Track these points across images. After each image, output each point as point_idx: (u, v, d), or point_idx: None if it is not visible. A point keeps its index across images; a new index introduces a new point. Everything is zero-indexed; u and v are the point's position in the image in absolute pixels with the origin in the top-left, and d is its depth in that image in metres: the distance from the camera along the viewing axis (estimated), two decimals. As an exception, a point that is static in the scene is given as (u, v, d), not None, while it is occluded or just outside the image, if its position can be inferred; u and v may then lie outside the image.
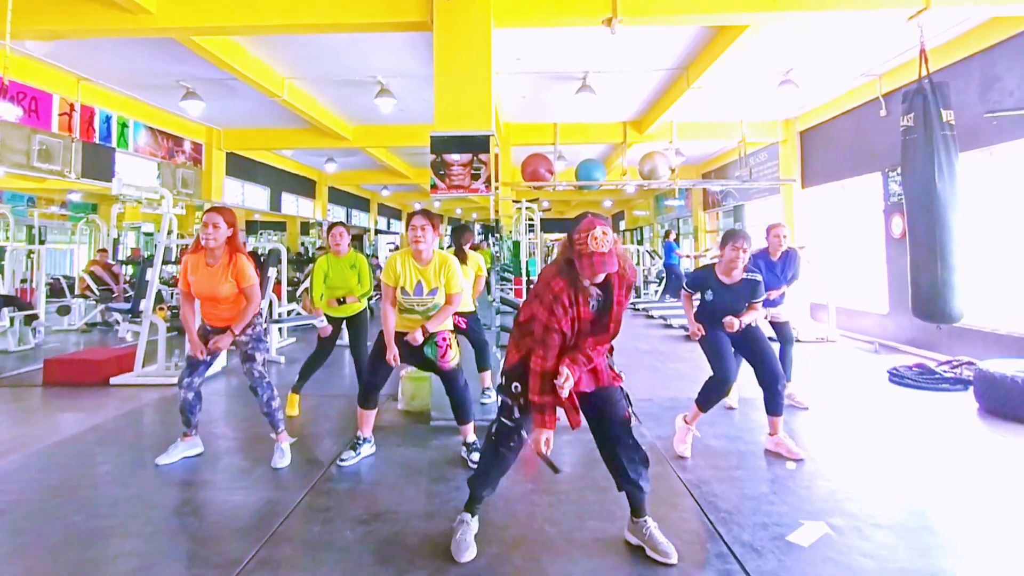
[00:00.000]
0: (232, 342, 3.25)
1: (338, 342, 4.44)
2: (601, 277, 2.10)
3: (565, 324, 2.12)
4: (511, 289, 7.68)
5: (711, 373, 3.37)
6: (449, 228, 20.19)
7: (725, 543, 2.35)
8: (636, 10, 4.79)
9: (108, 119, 8.05)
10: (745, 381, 4.47)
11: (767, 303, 4.31)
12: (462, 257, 4.20)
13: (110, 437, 3.74)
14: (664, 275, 12.86)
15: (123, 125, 8.34)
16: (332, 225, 4.14)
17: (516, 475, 3.11)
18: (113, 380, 5.17)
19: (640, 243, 20.44)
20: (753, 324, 3.40)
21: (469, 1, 4.71)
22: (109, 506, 2.72)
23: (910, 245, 4.36)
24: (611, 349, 2.33)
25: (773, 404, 3.35)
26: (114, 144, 8.16)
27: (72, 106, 7.36)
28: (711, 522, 2.53)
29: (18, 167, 6.66)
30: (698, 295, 3.50)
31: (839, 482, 2.96)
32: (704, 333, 3.39)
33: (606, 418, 2.26)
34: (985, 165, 5.92)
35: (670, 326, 8.80)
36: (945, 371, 5.17)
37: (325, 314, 4.11)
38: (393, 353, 3.04)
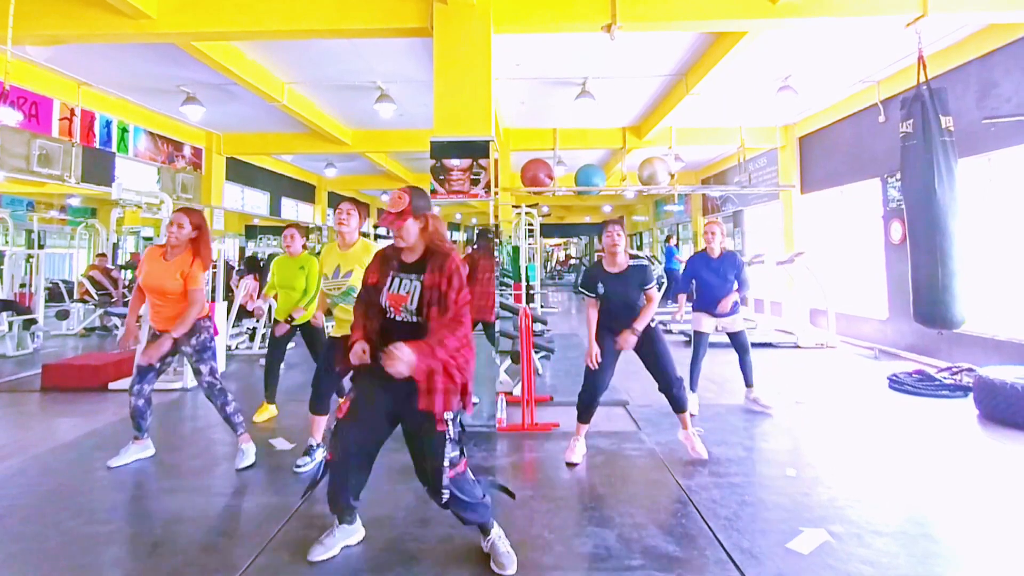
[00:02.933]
0: (176, 351, 3.26)
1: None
2: (402, 244, 2.15)
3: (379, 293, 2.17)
4: (510, 294, 7.67)
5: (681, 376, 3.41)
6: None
7: (724, 550, 2.34)
8: (635, 16, 4.81)
9: (108, 124, 8.07)
10: (739, 388, 4.50)
11: (719, 314, 4.35)
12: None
13: (108, 442, 3.72)
14: (664, 280, 12.85)
15: (123, 130, 8.36)
16: (287, 226, 4.19)
17: (515, 482, 3.10)
18: (111, 385, 5.16)
19: (640, 248, 20.48)
20: (653, 324, 3.32)
21: (469, 7, 4.73)
22: (106, 512, 2.72)
23: (911, 251, 4.37)
24: (461, 387, 2.10)
25: (675, 404, 3.38)
26: (114, 149, 8.17)
27: (72, 111, 7.37)
28: (710, 528, 2.52)
29: (18, 172, 6.67)
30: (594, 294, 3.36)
31: (839, 489, 2.95)
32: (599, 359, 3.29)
33: (418, 464, 2.21)
34: (984, 171, 5.94)
35: (669, 331, 8.78)
36: (945, 377, 5.17)
37: (279, 318, 4.13)
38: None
